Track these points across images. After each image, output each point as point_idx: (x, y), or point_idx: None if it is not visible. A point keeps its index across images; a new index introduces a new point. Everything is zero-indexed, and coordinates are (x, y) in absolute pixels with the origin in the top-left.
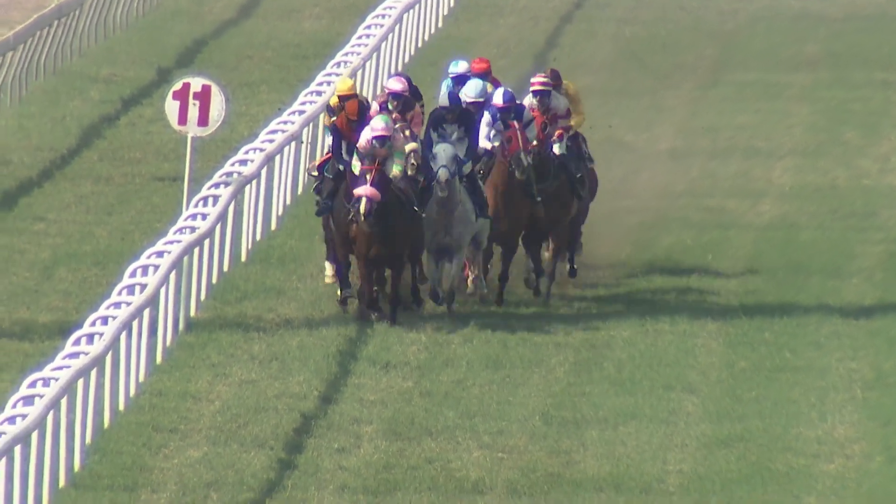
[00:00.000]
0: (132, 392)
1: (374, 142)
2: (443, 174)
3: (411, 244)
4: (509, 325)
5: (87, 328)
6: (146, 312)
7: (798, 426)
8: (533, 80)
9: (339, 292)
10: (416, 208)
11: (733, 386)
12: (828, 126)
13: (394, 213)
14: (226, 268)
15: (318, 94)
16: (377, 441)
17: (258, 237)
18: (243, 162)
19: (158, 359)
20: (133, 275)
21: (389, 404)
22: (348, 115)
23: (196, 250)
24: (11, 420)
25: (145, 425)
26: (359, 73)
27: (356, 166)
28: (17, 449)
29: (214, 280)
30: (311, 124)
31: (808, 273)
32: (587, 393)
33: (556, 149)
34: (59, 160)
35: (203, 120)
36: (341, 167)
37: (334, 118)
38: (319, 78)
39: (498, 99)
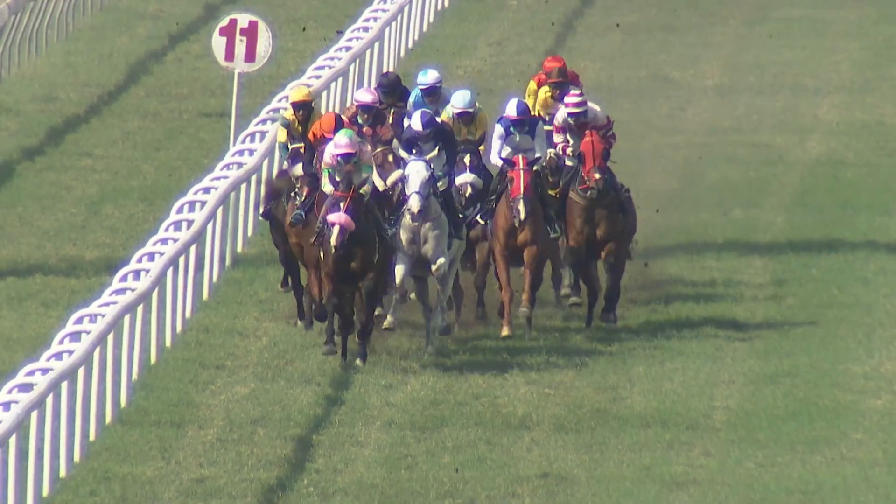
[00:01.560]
0: (179, 328)
1: (339, 160)
2: (414, 203)
3: (381, 269)
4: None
5: (133, 264)
6: (193, 248)
7: (845, 362)
8: (567, 100)
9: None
10: (386, 230)
11: (780, 322)
12: (875, 62)
13: (363, 234)
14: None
15: (365, 30)
16: (424, 377)
17: None
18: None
19: (205, 295)
20: (180, 211)
21: (436, 339)
22: (324, 131)
23: (243, 186)
24: (58, 356)
25: (192, 361)
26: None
27: (327, 187)
28: (64, 385)
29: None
30: (357, 61)
31: (855, 209)
32: (634, 329)
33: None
34: (106, 96)
35: (250, 56)
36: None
37: (291, 133)
38: (366, 14)
39: (511, 110)
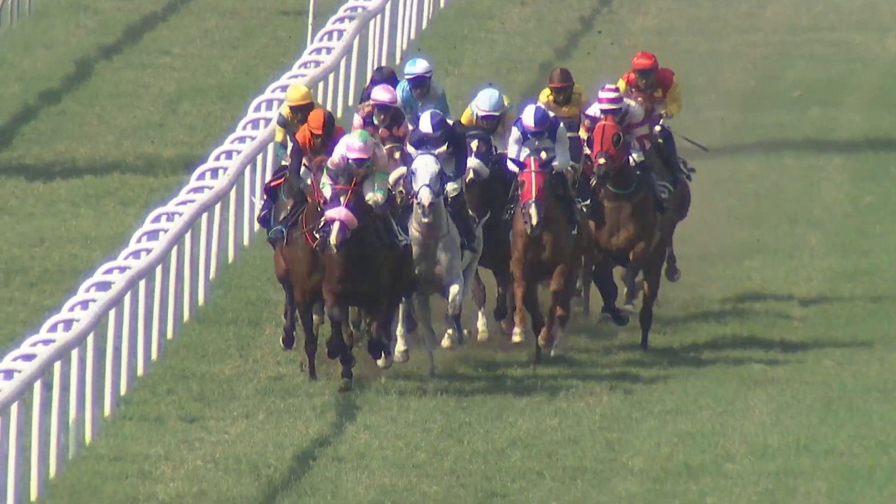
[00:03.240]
0: (256, 227)
1: (350, 163)
2: (425, 195)
3: (394, 282)
4: None
5: (210, 163)
6: (270, 146)
7: None
8: (601, 95)
9: (302, 365)
10: (399, 238)
11: (858, 220)
12: None
13: (371, 243)
14: (350, 101)
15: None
16: None
17: None
18: None
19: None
20: (258, 109)
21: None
22: (311, 129)
23: (321, 84)
24: (136, 255)
25: (269, 260)
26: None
27: (326, 186)
28: (142, 284)
29: (339, 113)
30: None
31: None
32: (713, 227)
33: (635, 157)
34: None
35: None
36: (300, 188)
37: (289, 134)
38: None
39: (528, 120)
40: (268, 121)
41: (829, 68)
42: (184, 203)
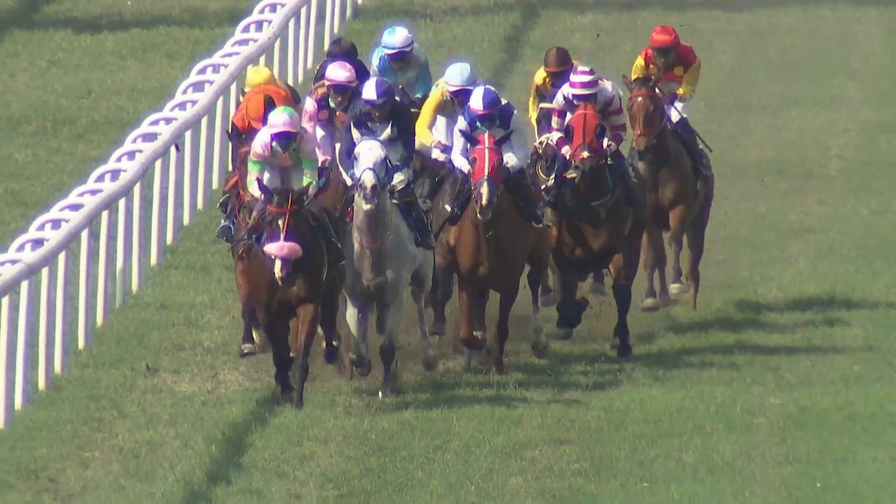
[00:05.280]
0: (301, 77)
1: (275, 145)
2: (368, 178)
3: (327, 286)
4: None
5: (255, 15)
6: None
7: None
8: (573, 77)
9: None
10: (333, 239)
11: (894, 72)
12: None
13: (309, 256)
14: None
15: None
16: None
17: None
18: None
19: (325, 44)
20: None
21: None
22: (250, 118)
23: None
24: (182, 106)
25: None
26: None
27: (253, 189)
28: (188, 135)
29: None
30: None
31: None
32: (751, 78)
33: (607, 144)
34: None
35: None
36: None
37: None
38: None
39: (476, 102)
40: None
41: None
42: (229, 55)
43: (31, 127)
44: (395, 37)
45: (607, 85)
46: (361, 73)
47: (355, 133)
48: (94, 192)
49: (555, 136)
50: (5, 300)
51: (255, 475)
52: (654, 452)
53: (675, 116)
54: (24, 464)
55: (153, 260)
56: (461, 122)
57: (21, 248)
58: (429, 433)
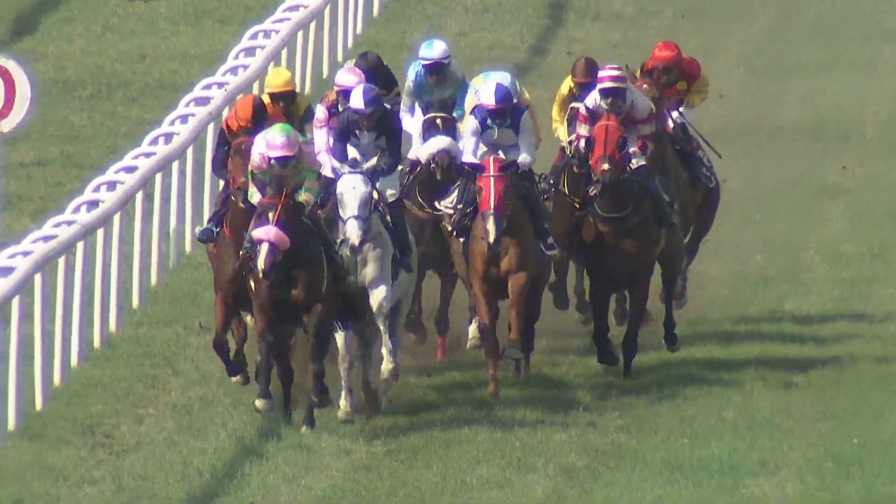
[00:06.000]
0: (350, 44)
1: (273, 163)
2: (353, 232)
3: (330, 304)
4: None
5: None
6: None
7: None
8: (601, 73)
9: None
10: (336, 253)
11: None
12: None
13: (306, 259)
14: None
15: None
16: None
17: None
18: None
19: (375, 11)
20: None
21: (597, 53)
22: (239, 119)
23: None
24: (233, 70)
25: None
26: None
27: (254, 195)
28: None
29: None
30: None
31: None
32: (789, 41)
33: (635, 162)
34: None
35: None
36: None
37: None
38: None
39: (488, 98)
40: None
41: None
42: (280, 21)
43: (87, 91)
44: (433, 49)
45: (638, 93)
46: (389, 81)
47: (339, 147)
48: (148, 155)
49: (583, 132)
50: (61, 261)
51: (305, 431)
52: (695, 409)
53: (671, 123)
54: (80, 420)
55: (206, 220)
56: (472, 122)
57: (77, 209)
58: (475, 390)
